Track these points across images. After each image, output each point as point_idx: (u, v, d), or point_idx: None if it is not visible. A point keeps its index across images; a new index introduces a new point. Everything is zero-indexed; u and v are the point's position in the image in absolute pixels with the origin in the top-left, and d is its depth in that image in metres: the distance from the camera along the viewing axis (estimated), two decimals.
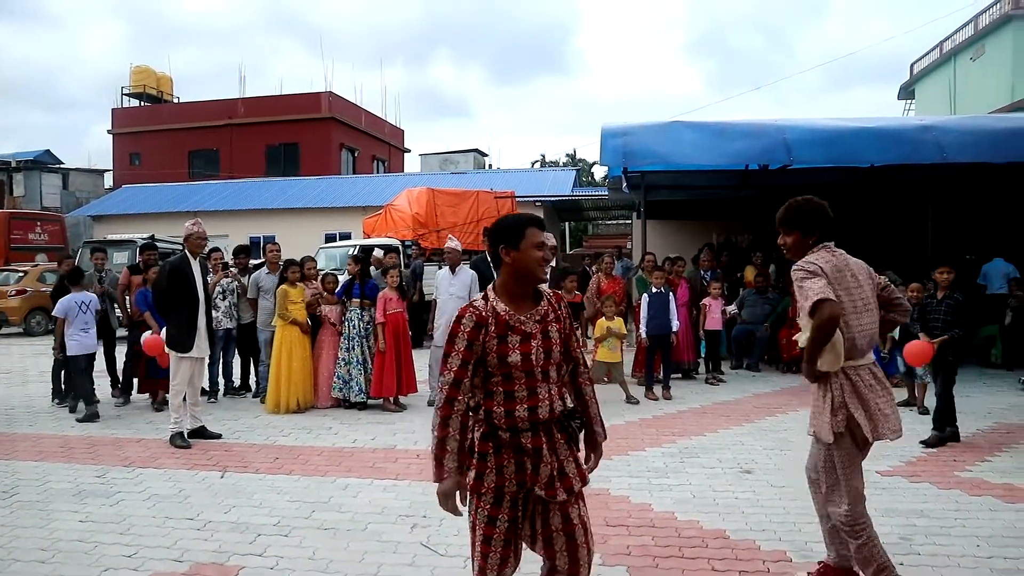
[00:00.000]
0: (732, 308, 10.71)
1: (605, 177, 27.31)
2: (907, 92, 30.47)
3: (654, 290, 8.82)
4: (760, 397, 8.82)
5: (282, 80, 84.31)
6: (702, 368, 10.23)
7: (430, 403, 8.13)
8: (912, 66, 29.68)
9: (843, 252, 3.49)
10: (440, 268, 9.15)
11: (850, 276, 3.39)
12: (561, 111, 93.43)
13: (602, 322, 8.48)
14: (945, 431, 6.50)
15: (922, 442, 6.44)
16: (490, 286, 2.72)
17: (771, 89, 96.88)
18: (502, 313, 2.64)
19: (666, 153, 10.75)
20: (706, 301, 10.04)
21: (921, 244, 10.67)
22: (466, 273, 8.50)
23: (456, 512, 2.68)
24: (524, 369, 2.63)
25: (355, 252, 10.53)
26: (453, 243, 8.63)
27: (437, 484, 2.65)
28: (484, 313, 2.62)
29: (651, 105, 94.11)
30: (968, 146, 10.17)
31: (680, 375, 9.74)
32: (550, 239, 10.42)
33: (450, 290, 8.31)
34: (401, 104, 71.80)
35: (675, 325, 8.85)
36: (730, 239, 15.54)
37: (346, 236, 19.18)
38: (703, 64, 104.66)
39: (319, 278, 8.54)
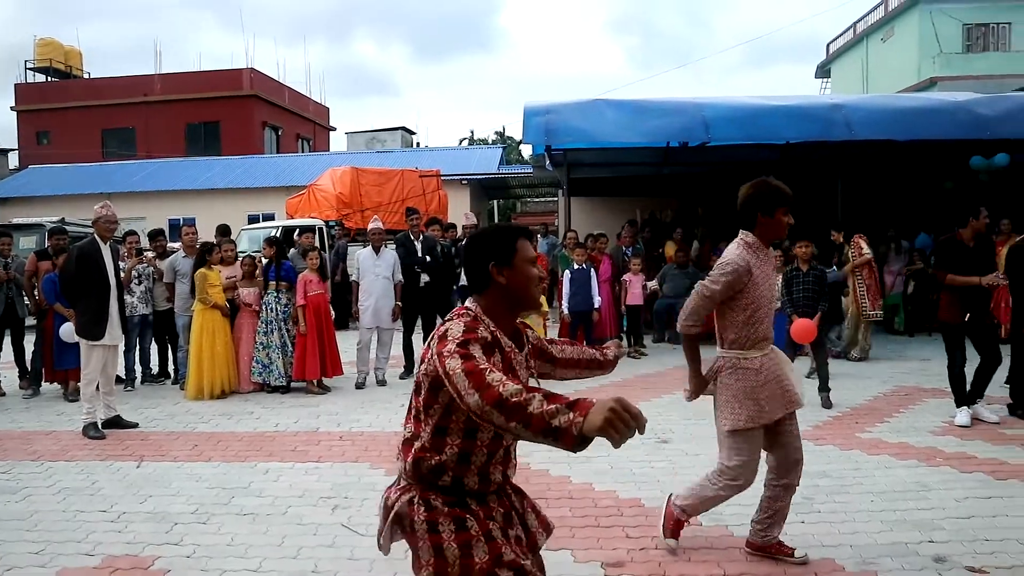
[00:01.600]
0: (652, 284, 10.95)
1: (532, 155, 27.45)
2: (823, 71, 31.43)
3: (576, 267, 8.95)
4: (680, 370, 8.89)
5: (200, 55, 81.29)
6: (624, 343, 10.46)
7: (358, 386, 8.10)
8: (828, 46, 30.64)
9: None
10: (362, 248, 9.04)
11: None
12: (488, 88, 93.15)
13: None
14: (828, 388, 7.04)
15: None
16: (471, 303, 2.20)
17: (692, 66, 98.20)
18: (507, 348, 2.16)
19: (588, 131, 10.86)
20: (627, 276, 10.23)
21: (835, 219, 11.10)
22: (390, 254, 8.49)
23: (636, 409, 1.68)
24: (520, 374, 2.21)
25: (276, 235, 10.32)
26: (376, 223, 8.61)
27: (585, 425, 1.64)
28: (491, 338, 2.09)
29: (576, 82, 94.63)
30: (875, 124, 10.59)
31: None
32: (470, 217, 10.53)
33: (375, 271, 8.29)
34: (326, 82, 70.15)
35: (597, 301, 9.02)
36: (653, 215, 15.87)
37: (269, 217, 18.79)
38: (626, 41, 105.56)
39: (238, 260, 8.36)
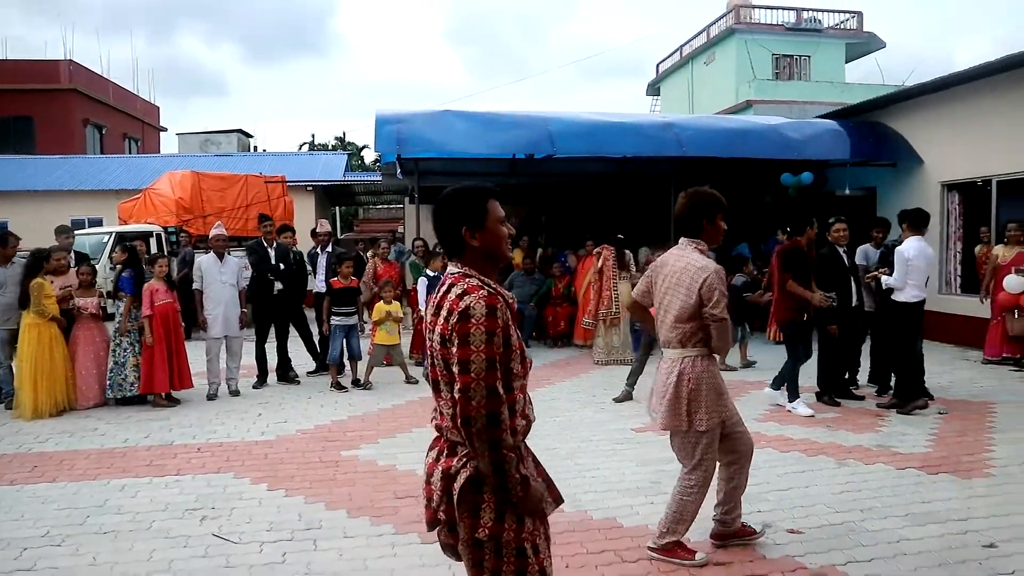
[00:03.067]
0: None
1: (375, 162, 27.29)
2: (654, 89, 33.51)
3: (431, 274, 9.16)
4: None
5: (6, 42, 73.25)
6: None
7: (210, 397, 7.87)
8: (658, 66, 32.72)
9: (674, 248, 3.93)
10: (204, 255, 8.70)
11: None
12: (327, 93, 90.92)
13: (380, 306, 8.68)
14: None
15: None
16: (458, 267, 2.24)
17: (530, 78, 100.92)
18: (511, 300, 2.23)
19: (439, 141, 11.13)
20: None
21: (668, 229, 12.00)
22: (233, 260, 8.34)
23: (546, 508, 2.28)
24: (523, 372, 2.26)
25: (132, 242, 9.71)
26: (219, 229, 8.40)
27: (523, 502, 2.15)
28: (503, 303, 2.15)
29: (416, 90, 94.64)
30: (702, 142, 11.60)
31: None
32: (325, 225, 10.48)
33: (220, 278, 8.10)
34: (155, 79, 65.29)
35: None
36: None
37: (97, 222, 17.51)
38: (464, 51, 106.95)
39: (73, 269, 7.87)
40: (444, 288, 2.21)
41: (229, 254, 8.38)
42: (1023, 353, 9.04)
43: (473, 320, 2.06)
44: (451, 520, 2.19)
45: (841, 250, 7.32)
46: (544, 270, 12.27)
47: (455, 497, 2.15)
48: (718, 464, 3.94)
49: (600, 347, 9.99)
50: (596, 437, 6.24)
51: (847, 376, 7.70)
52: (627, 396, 7.60)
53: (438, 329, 2.15)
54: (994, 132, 10.35)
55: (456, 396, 2.07)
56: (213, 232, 8.38)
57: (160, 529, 4.33)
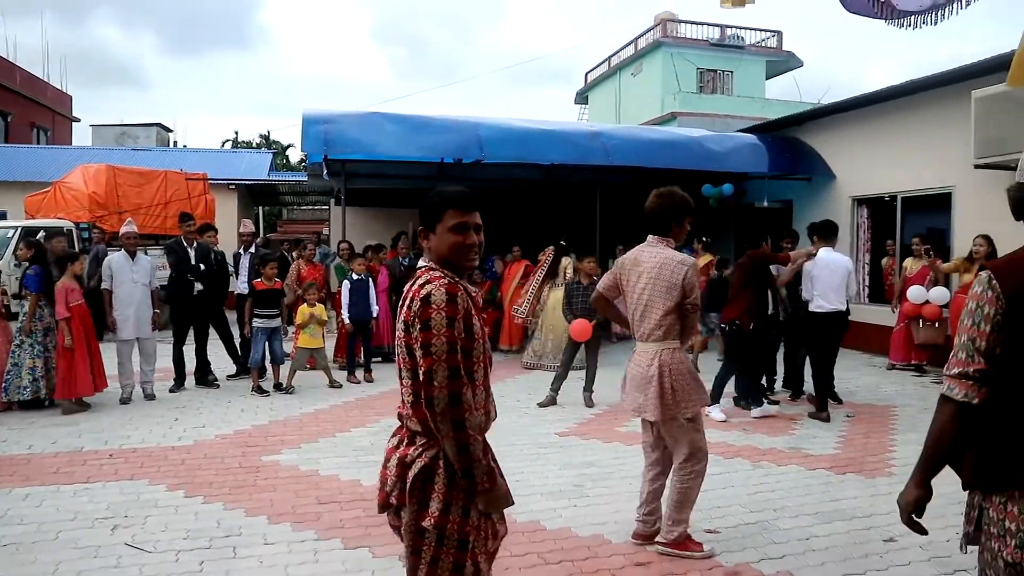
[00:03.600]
0: None
1: (301, 161, 26.79)
2: (582, 98, 33.97)
3: (356, 277, 9.06)
4: None
5: None
6: None
7: (123, 401, 7.57)
8: (587, 75, 33.20)
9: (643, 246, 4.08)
10: (114, 254, 8.29)
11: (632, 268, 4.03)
12: (251, 89, 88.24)
13: (304, 308, 8.54)
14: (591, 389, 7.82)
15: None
16: (426, 262, 2.32)
17: (459, 82, 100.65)
18: (473, 294, 2.30)
19: (367, 143, 11.01)
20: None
21: (593, 234, 12.20)
22: (145, 258, 8.06)
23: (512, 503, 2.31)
24: (484, 364, 2.30)
25: (40, 236, 9.25)
26: (130, 227, 8.07)
27: (486, 496, 2.19)
28: (463, 292, 2.21)
29: (343, 89, 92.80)
30: (627, 152, 11.84)
31: (380, 358, 10.12)
32: (248, 225, 10.24)
33: (133, 277, 7.80)
34: (67, 66, 61.82)
35: (375, 311, 9.19)
36: None
37: (1, 216, 16.62)
38: (392, 51, 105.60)
39: None
40: (412, 281, 2.28)
41: (146, 253, 8.10)
42: (928, 359, 9.59)
43: (433, 305, 2.13)
44: (401, 505, 2.25)
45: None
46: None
47: (407, 484, 2.21)
48: (651, 463, 4.16)
49: (530, 352, 10.12)
50: (520, 441, 6.28)
51: (764, 382, 7.98)
52: (551, 401, 7.68)
53: (402, 317, 2.23)
54: (899, 151, 10.92)
55: (421, 379, 2.13)
56: (124, 229, 8.02)
57: (67, 540, 4.14)
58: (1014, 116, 8.24)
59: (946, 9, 3.34)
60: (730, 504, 4.74)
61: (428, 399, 2.11)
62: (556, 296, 9.70)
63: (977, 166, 8.93)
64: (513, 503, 2.33)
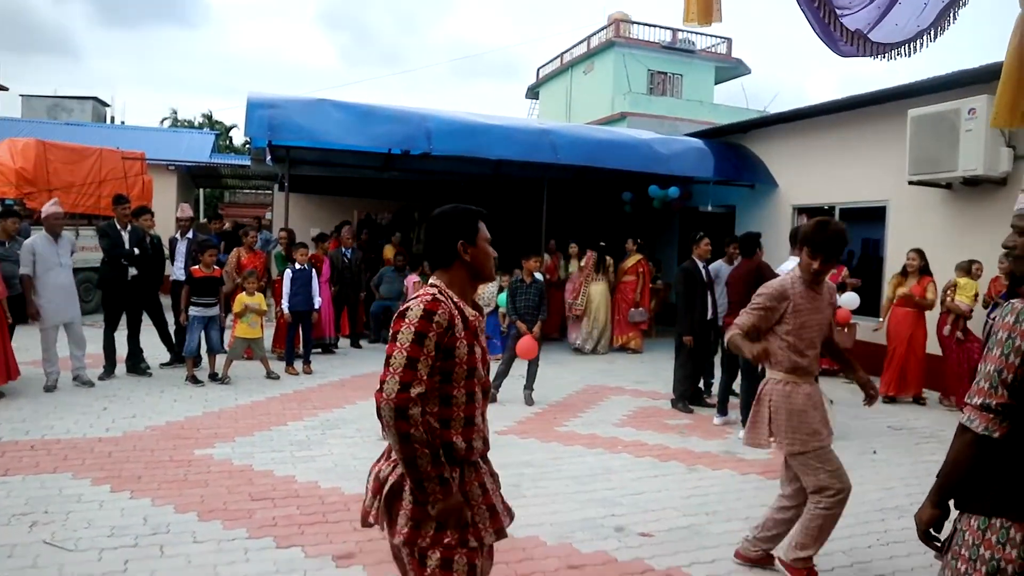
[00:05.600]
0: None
1: (245, 143, 26.19)
2: (533, 93, 33.98)
3: (297, 266, 8.90)
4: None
5: None
6: (342, 342, 10.68)
7: (48, 389, 7.28)
8: (539, 71, 33.22)
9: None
10: (36, 235, 7.90)
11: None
12: (192, 67, 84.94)
13: (242, 297, 8.35)
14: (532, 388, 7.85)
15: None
16: (435, 278, 2.36)
17: (405, 69, 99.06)
18: (471, 317, 2.31)
19: (313, 130, 10.78)
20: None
21: (539, 232, 12.24)
22: (68, 239, 7.78)
23: (467, 522, 2.26)
24: (484, 388, 2.36)
25: None
26: (56, 207, 7.72)
27: (438, 506, 2.18)
28: (453, 311, 2.24)
29: (288, 72, 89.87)
30: (576, 150, 11.86)
31: (320, 350, 9.98)
32: (186, 210, 9.96)
33: (59, 260, 7.50)
34: None
35: (317, 302, 9.05)
36: (371, 217, 16.15)
37: None
38: (337, 37, 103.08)
39: None
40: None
41: (77, 235, 7.81)
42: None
43: (407, 320, 2.18)
44: (380, 522, 2.30)
45: (701, 265, 7.73)
46: (416, 267, 12.24)
47: (381, 502, 2.26)
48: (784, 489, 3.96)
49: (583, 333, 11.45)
50: None
51: (700, 385, 8.12)
52: (491, 399, 7.68)
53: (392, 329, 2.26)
54: (839, 164, 11.23)
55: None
56: (50, 209, 7.63)
57: None
58: (946, 136, 8.55)
59: (917, 43, 3.46)
60: (664, 508, 4.81)
61: (377, 407, 2.15)
62: (597, 289, 11.57)
63: (911, 182, 9.24)
64: (494, 532, 2.31)
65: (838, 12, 3.27)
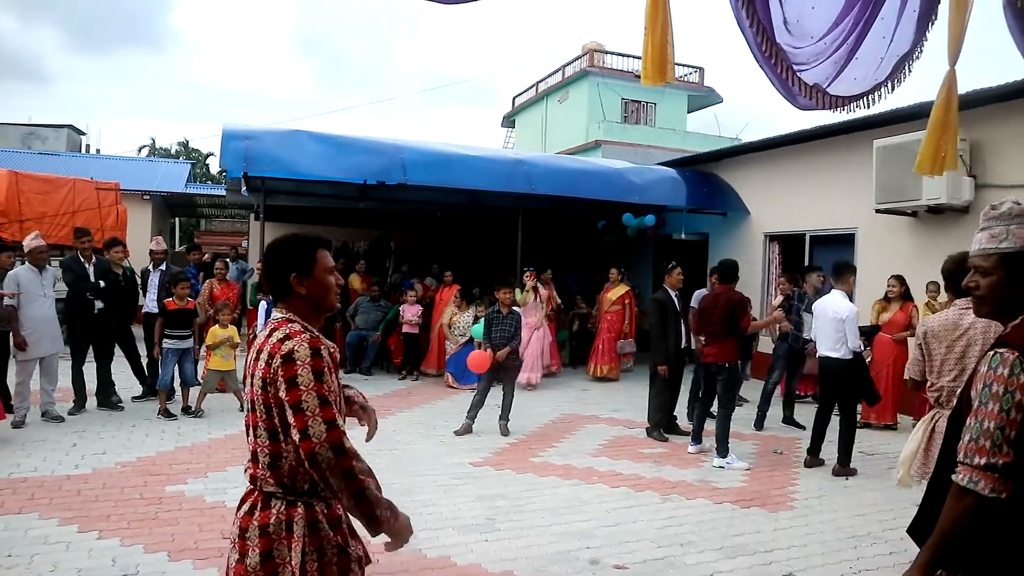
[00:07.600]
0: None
1: (221, 172, 26.09)
2: (509, 121, 34.27)
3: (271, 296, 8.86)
4: (372, 400, 9.37)
5: None
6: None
7: (15, 425, 7.14)
8: (514, 99, 33.53)
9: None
10: (20, 267, 7.83)
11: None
12: (169, 93, 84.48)
13: (215, 330, 8.29)
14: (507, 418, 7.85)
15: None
16: (283, 312, 2.27)
17: (377, 97, 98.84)
18: (332, 350, 2.21)
19: (288, 161, 10.81)
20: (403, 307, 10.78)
21: (515, 261, 12.30)
22: (52, 272, 7.73)
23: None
24: (344, 418, 2.26)
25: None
26: (39, 240, 7.67)
27: (395, 527, 2.15)
28: (325, 346, 2.17)
29: (263, 99, 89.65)
30: (551, 180, 11.99)
31: None
32: (161, 242, 9.89)
33: (44, 291, 7.47)
34: None
35: None
36: (347, 245, 16.15)
37: None
38: (311, 62, 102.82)
39: None
40: (266, 333, 2.20)
41: (51, 265, 7.78)
42: (814, 391, 9.87)
43: (298, 362, 2.07)
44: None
45: (673, 294, 7.80)
46: (391, 297, 12.24)
47: (271, 553, 2.11)
48: None
49: None
50: (434, 471, 6.24)
51: (675, 414, 8.16)
52: (467, 429, 7.67)
53: (259, 373, 2.13)
54: (809, 192, 11.43)
55: (296, 439, 2.03)
56: (34, 243, 7.60)
57: None
58: (910, 166, 8.72)
59: (875, 95, 3.58)
60: (639, 539, 4.81)
61: (310, 456, 2.01)
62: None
63: (878, 210, 9.44)
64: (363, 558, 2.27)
65: (796, 68, 3.36)
